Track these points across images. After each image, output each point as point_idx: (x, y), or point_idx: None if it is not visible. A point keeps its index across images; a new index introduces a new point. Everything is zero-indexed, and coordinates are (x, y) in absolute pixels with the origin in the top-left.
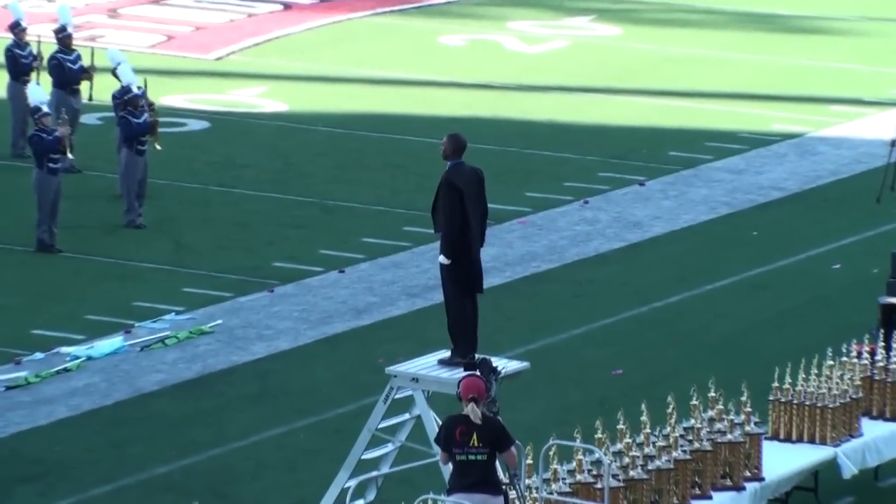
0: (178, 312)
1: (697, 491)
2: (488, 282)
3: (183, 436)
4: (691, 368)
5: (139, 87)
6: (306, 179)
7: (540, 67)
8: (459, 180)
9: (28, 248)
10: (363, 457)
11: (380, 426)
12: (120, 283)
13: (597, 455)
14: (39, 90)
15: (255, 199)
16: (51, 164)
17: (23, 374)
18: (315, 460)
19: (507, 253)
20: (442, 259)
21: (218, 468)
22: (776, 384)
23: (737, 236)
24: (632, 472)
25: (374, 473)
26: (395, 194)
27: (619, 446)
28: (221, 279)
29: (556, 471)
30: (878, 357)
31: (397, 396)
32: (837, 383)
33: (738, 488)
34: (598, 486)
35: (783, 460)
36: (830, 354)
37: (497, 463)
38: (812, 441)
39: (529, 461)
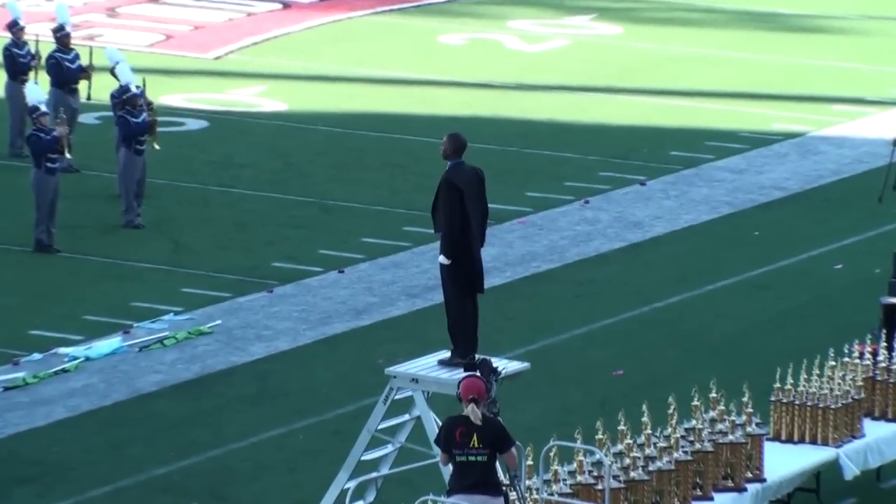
0: (176, 313)
1: (699, 492)
2: (488, 282)
3: (182, 437)
4: (692, 369)
5: (138, 87)
6: (305, 179)
7: (540, 66)
8: (460, 180)
9: (26, 248)
10: (363, 458)
11: (379, 427)
12: (118, 283)
13: (597, 456)
14: (37, 89)
15: (254, 198)
16: (49, 164)
17: (21, 374)
18: (314, 461)
19: (507, 253)
20: (442, 259)
21: (217, 469)
22: (778, 385)
23: (738, 236)
24: (633, 474)
25: (374, 474)
26: (395, 194)
27: (619, 447)
28: (220, 279)
29: (556, 472)
30: (881, 357)
31: (397, 397)
32: (839, 384)
33: (740, 489)
34: (599, 487)
35: (785, 461)
36: (832, 355)
37: (497, 464)
38: (814, 442)
39: (530, 462)
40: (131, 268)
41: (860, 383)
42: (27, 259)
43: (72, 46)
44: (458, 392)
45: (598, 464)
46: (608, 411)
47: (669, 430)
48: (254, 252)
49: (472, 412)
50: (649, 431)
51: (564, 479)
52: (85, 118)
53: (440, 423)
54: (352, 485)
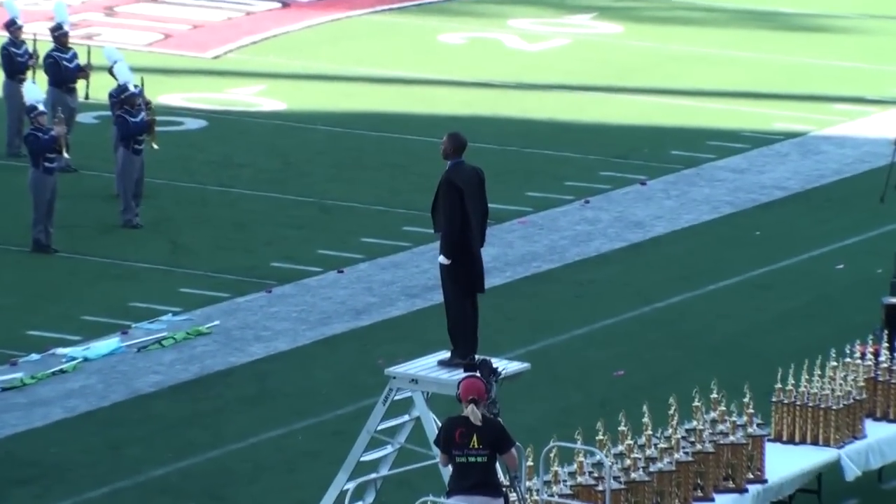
0: (175, 313)
1: (699, 493)
2: (488, 282)
3: (180, 437)
4: (693, 369)
5: (136, 86)
6: (305, 179)
7: (540, 66)
8: (459, 180)
9: (24, 248)
10: (362, 459)
11: (379, 428)
12: (116, 283)
13: (598, 457)
14: (35, 89)
15: (253, 198)
16: (47, 164)
17: (18, 375)
18: (314, 462)
19: (507, 253)
20: (442, 259)
21: (215, 470)
22: (779, 385)
23: (739, 236)
24: (633, 475)
25: (374, 475)
26: (395, 194)
27: (620, 448)
28: (219, 279)
29: (556, 473)
30: (882, 358)
31: (396, 398)
32: (841, 384)
33: (741, 490)
34: (600, 488)
35: (786, 462)
36: (834, 355)
37: (497, 465)
38: (815, 443)
39: (530, 463)
40: (129, 268)
41: (861, 384)
42: (25, 259)
43: (70, 45)
44: (458, 393)
45: (599, 465)
46: (609, 412)
47: (670, 430)
48: (253, 252)
49: (472, 413)
50: (650, 432)
51: (565, 480)
52: (83, 117)
53: (440, 424)
54: (351, 486)
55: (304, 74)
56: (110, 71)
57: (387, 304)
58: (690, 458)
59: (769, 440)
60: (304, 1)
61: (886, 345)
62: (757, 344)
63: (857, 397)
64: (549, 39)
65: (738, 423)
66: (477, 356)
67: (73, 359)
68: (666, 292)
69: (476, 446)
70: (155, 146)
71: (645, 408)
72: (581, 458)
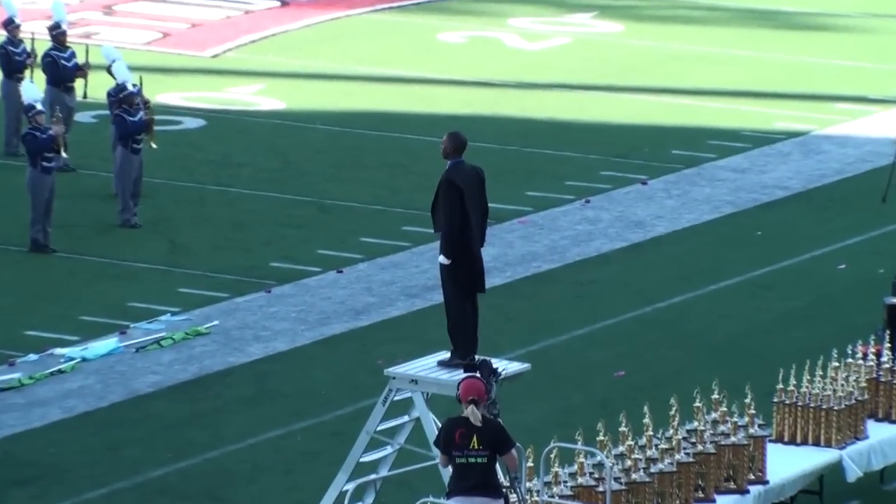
0: (173, 313)
1: (701, 494)
2: (488, 282)
3: (179, 438)
4: (694, 370)
5: (134, 85)
6: (304, 178)
7: (541, 65)
8: (459, 179)
9: (22, 247)
10: (362, 459)
11: (378, 428)
12: (115, 283)
13: (598, 458)
14: (33, 88)
15: (252, 198)
16: (45, 163)
17: (16, 375)
18: (313, 463)
19: (507, 253)
20: (442, 259)
21: (214, 471)
22: (780, 386)
23: (740, 236)
24: (634, 475)
25: (373, 476)
26: (394, 193)
27: (621, 449)
28: (218, 279)
29: (557, 474)
30: (884, 358)
31: (396, 398)
32: (842, 385)
33: (742, 491)
34: (600, 489)
35: (787, 463)
36: (835, 356)
37: (497, 466)
38: (817, 443)
39: (530, 464)
40: (128, 268)
41: (863, 384)
42: (23, 259)
43: (68, 44)
44: (458, 393)
45: (600, 465)
46: (609, 412)
47: (671, 431)
48: (252, 252)
49: (472, 413)
50: (651, 433)
51: (565, 481)
52: (81, 117)
53: (440, 425)
54: (351, 487)
55: (304, 73)
56: (109, 70)
57: (386, 304)
58: (691, 459)
59: (770, 441)
60: (303, 0)
61: (888, 345)
62: (758, 344)
63: (859, 398)
64: (549, 38)
65: (740, 423)
66: (477, 356)
67: (72, 359)
68: (667, 292)
69: (476, 447)
70: (153, 145)
71: (646, 408)
72: (582, 459)
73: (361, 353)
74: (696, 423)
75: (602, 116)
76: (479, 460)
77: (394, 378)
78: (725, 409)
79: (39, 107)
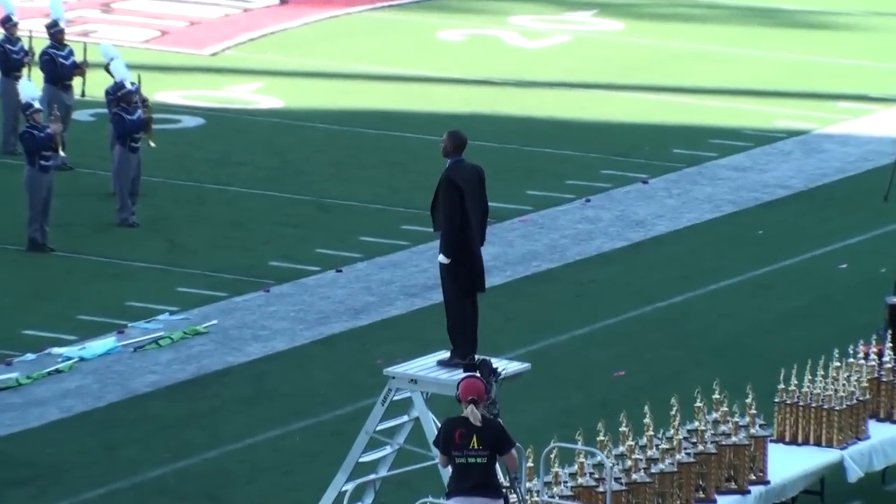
0: (172, 312)
1: (701, 495)
2: (488, 281)
3: (177, 438)
4: (695, 369)
5: (133, 83)
6: (303, 177)
7: (541, 63)
8: (459, 178)
9: (19, 246)
10: (361, 459)
11: (378, 428)
12: (113, 282)
13: (599, 458)
14: (31, 86)
15: (251, 197)
16: (42, 162)
17: (14, 375)
18: (312, 463)
19: (507, 252)
20: (441, 258)
21: (212, 471)
22: (781, 386)
23: (741, 235)
24: (634, 476)
25: (372, 476)
26: (394, 192)
27: (621, 449)
28: (216, 279)
29: (557, 474)
30: (886, 358)
31: (395, 398)
32: (844, 385)
33: (743, 492)
34: (601, 489)
35: (788, 463)
36: (837, 355)
37: (497, 466)
38: (818, 444)
39: (530, 464)
40: (126, 267)
41: (865, 384)
42: (20, 258)
43: (66, 42)
44: (458, 393)
45: (600, 466)
46: (609, 412)
47: (672, 431)
48: (250, 251)
49: (472, 413)
50: (651, 433)
51: (565, 482)
52: (79, 115)
53: (439, 425)
54: (350, 487)
55: (303, 72)
56: (107, 68)
57: (386, 304)
58: (692, 459)
59: (771, 441)
60: None
61: (890, 345)
62: (759, 344)
63: (861, 398)
64: (549, 37)
65: (741, 423)
66: (477, 356)
67: (69, 358)
68: (667, 292)
69: (476, 447)
70: (152, 144)
71: (646, 408)
72: (582, 459)
73: (360, 352)
74: (696, 423)
75: (602, 115)
76: (479, 460)
77: (393, 378)
78: (726, 408)
79: (37, 105)
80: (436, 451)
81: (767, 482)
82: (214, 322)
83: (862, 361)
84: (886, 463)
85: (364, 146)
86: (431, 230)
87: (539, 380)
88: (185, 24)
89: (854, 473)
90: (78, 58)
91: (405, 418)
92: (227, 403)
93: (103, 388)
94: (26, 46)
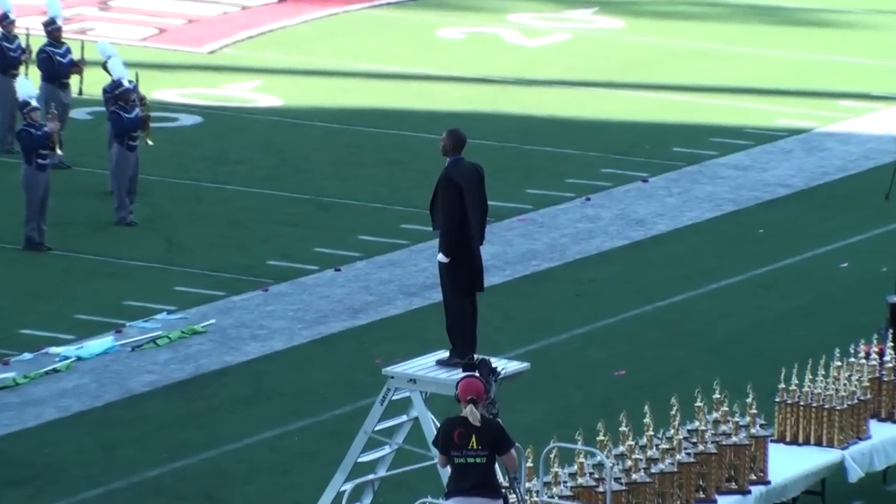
0: (169, 312)
1: (702, 495)
2: (488, 280)
3: (175, 438)
4: (695, 369)
5: (130, 82)
6: (301, 176)
7: (540, 61)
8: (459, 176)
9: (16, 245)
10: (359, 459)
11: (376, 428)
12: (110, 281)
13: (599, 458)
14: (28, 84)
15: (249, 195)
16: (39, 160)
17: (11, 374)
18: (310, 463)
19: (507, 251)
20: (441, 257)
21: (210, 471)
22: (782, 385)
23: (742, 234)
24: (634, 476)
25: (371, 476)
26: (393, 191)
27: (621, 449)
28: (214, 278)
29: (556, 474)
30: (887, 357)
31: (394, 398)
32: (845, 384)
33: (744, 492)
34: (600, 489)
35: (789, 463)
36: (838, 355)
37: (497, 466)
38: (819, 444)
39: (530, 464)
40: (124, 266)
41: (866, 384)
42: (18, 257)
43: (63, 40)
44: (457, 393)
45: (600, 466)
46: (609, 412)
47: (672, 431)
48: (248, 250)
49: (471, 413)
50: (651, 433)
51: (565, 482)
52: (76, 113)
53: (438, 425)
54: (348, 487)
55: (301, 70)
56: (104, 66)
57: (384, 303)
58: (692, 459)
59: (772, 441)
60: None
61: (891, 344)
62: (760, 343)
63: (862, 397)
64: (549, 34)
65: (741, 423)
66: (476, 355)
67: (67, 358)
68: (668, 291)
69: (475, 447)
70: (149, 142)
71: (646, 408)
72: (582, 459)
73: (359, 352)
74: (697, 423)
75: (603, 113)
76: (478, 460)
77: (392, 377)
78: (727, 408)
79: (34, 103)
80: (435, 451)
81: (768, 482)
82: (212, 321)
83: (863, 361)
84: (888, 463)
85: (363, 144)
86: (431, 229)
87: (539, 379)
88: (183, 22)
89: (855, 473)
90: (75, 56)
91: (404, 418)
92: (225, 403)
93: (101, 388)
94: (23, 44)
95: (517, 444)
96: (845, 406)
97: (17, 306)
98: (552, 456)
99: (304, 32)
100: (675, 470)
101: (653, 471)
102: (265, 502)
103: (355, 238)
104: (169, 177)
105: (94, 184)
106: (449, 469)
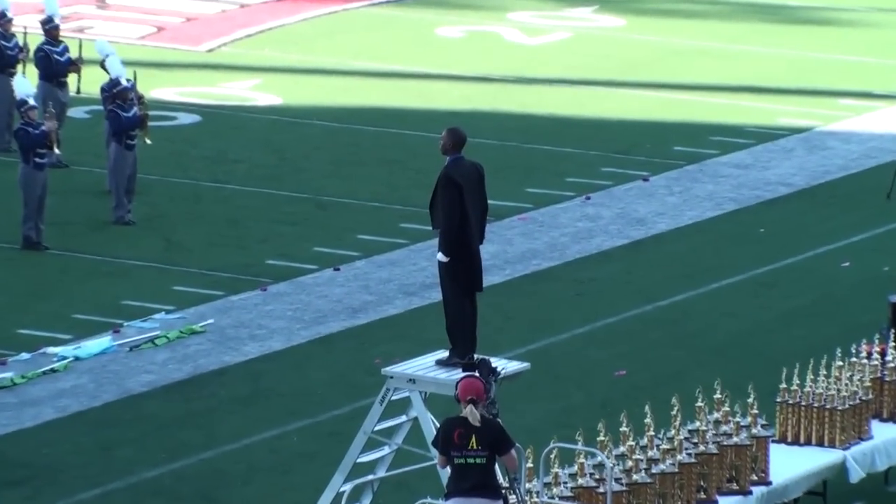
0: (168, 311)
1: (703, 495)
2: (488, 280)
3: (173, 438)
4: (696, 369)
5: (128, 80)
6: (300, 175)
7: (541, 60)
8: (459, 175)
9: (14, 245)
10: (359, 460)
11: (376, 428)
12: (108, 281)
13: (599, 458)
14: (26, 83)
15: (248, 194)
16: (37, 159)
17: (8, 374)
18: (309, 464)
19: (507, 250)
20: (440, 257)
21: (209, 472)
22: (783, 385)
23: (743, 233)
24: (635, 476)
25: (370, 477)
26: (392, 190)
27: (622, 449)
28: (213, 277)
29: (557, 474)
30: (889, 357)
31: (394, 398)
32: (846, 384)
33: (745, 493)
34: (601, 490)
35: (791, 464)
36: (839, 355)
37: (497, 466)
38: (820, 444)
39: (530, 464)
40: (122, 265)
41: (868, 384)
42: (15, 256)
43: (61, 39)
44: (457, 393)
45: (600, 466)
46: (610, 412)
47: (673, 431)
48: (247, 249)
49: (471, 413)
50: (652, 433)
51: (565, 482)
52: (74, 112)
53: (438, 425)
54: (347, 488)
55: (300, 68)
56: (102, 65)
57: (384, 303)
58: (693, 460)
59: (773, 441)
60: None
61: (893, 344)
62: (761, 343)
63: (864, 398)
64: (549, 33)
65: (742, 423)
66: (476, 355)
67: (64, 358)
68: (668, 290)
69: (475, 447)
70: (148, 141)
71: (647, 408)
72: (582, 460)
73: (358, 351)
74: (697, 424)
75: (603, 112)
76: (478, 461)
77: (391, 377)
78: (728, 408)
79: (32, 102)
80: (434, 452)
81: (769, 483)
82: (211, 321)
83: (865, 361)
84: (889, 463)
85: (362, 143)
86: (430, 228)
87: (539, 379)
88: (182, 21)
89: (856, 474)
90: (73, 54)
91: (403, 418)
92: (224, 403)
93: (99, 388)
94: (21, 43)
95: (517, 444)
96: (847, 406)
97: (14, 306)
98: (552, 456)
99: (303, 31)
100: (676, 470)
101: (653, 471)
102: (264, 503)
103: (354, 237)
104: (167, 176)
105: (92, 183)
106: (449, 470)
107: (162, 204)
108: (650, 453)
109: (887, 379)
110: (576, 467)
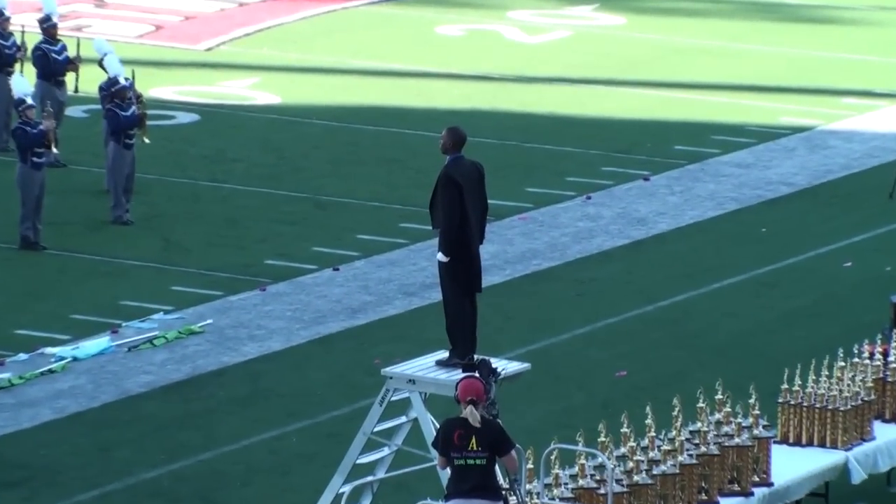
0: (166, 312)
1: (704, 497)
2: (488, 280)
3: (171, 439)
4: (697, 369)
5: (126, 79)
6: (299, 174)
7: (541, 58)
8: (459, 175)
9: (11, 244)
10: (358, 461)
11: (375, 429)
12: (106, 281)
13: (600, 459)
14: (23, 82)
15: (247, 194)
16: (35, 159)
17: (6, 375)
18: (308, 465)
19: (507, 250)
20: (440, 256)
21: (207, 473)
22: (785, 386)
23: (744, 233)
24: (636, 477)
25: (370, 478)
26: (392, 189)
27: (622, 450)
28: (211, 277)
29: (557, 476)
30: (891, 358)
31: (393, 399)
32: (848, 385)
33: (747, 494)
34: (602, 491)
35: (792, 465)
36: (841, 355)
37: (497, 467)
38: (822, 445)
39: (530, 465)
40: (120, 265)
41: (870, 384)
42: (13, 256)
43: (59, 37)
44: (456, 393)
45: (601, 467)
46: (611, 413)
47: (674, 432)
48: (246, 249)
49: (471, 414)
50: (653, 434)
51: (566, 483)
52: (72, 111)
53: (438, 426)
54: (347, 489)
55: (299, 67)
56: (100, 63)
57: (383, 303)
58: (695, 461)
59: (775, 442)
60: None
61: (895, 344)
62: (763, 343)
63: (866, 398)
64: (549, 31)
65: (744, 424)
66: (476, 356)
67: (62, 358)
68: (669, 290)
69: (475, 448)
70: (146, 140)
71: (648, 409)
72: (583, 461)
73: (358, 352)
74: (699, 424)
75: (603, 111)
76: (478, 462)
77: (391, 378)
78: (729, 409)
79: (30, 101)
80: (434, 453)
81: (771, 484)
82: (209, 321)
83: (867, 361)
84: (892, 464)
85: (362, 143)
86: (430, 228)
87: (539, 380)
88: (180, 19)
89: (858, 475)
90: (71, 53)
91: (403, 419)
92: (223, 404)
93: (97, 389)
94: (19, 41)
95: (517, 445)
96: (849, 407)
97: (12, 306)
98: (553, 457)
99: (302, 29)
100: (677, 471)
101: (654, 472)
102: None
103: (354, 237)
104: (166, 175)
105: (91, 182)
106: (448, 471)
107: (160, 203)
108: (651, 454)
109: (889, 379)
110: (576, 468)
